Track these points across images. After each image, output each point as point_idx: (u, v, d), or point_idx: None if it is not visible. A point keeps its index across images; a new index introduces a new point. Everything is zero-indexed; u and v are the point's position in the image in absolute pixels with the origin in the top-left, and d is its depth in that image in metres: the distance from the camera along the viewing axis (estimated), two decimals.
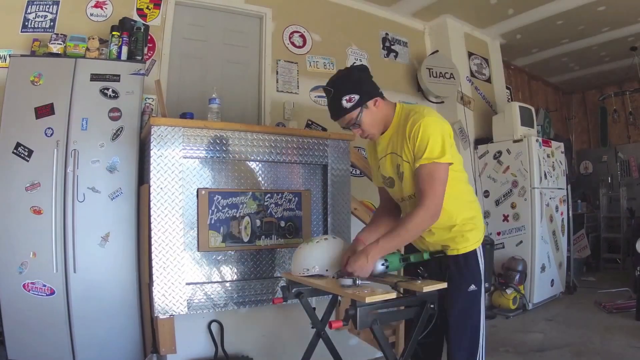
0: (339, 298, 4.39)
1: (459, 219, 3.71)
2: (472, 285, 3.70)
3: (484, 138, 10.37)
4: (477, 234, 3.78)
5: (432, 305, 3.55)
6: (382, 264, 3.61)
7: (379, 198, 4.32)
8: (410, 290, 3.51)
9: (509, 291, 8.75)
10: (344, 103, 3.62)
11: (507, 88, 12.45)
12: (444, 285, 3.54)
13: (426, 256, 3.64)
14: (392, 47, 9.97)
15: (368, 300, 3.18)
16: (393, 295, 3.32)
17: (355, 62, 9.21)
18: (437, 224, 3.58)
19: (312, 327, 4.26)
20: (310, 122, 8.37)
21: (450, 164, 3.54)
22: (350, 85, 3.67)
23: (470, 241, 3.72)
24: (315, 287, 4.01)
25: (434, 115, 3.66)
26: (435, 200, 3.43)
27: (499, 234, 9.77)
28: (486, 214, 9.99)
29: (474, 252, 3.74)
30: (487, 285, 8.05)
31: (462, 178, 3.81)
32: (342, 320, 3.31)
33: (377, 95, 3.74)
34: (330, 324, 3.34)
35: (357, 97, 3.62)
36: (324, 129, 8.07)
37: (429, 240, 3.80)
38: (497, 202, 9.85)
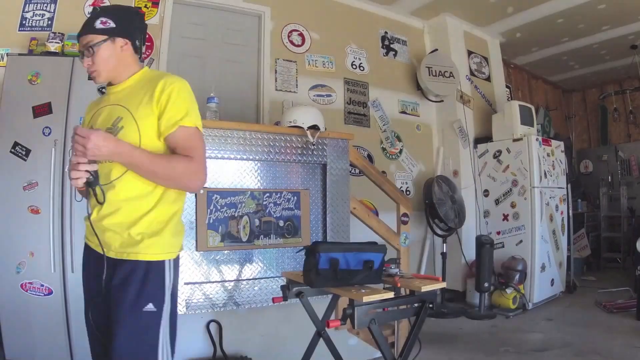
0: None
1: (160, 207, 3.09)
2: (151, 304, 2.95)
3: (484, 137, 10.34)
4: (171, 240, 3.15)
5: (430, 305, 3.56)
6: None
7: None
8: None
9: (508, 291, 8.75)
10: (97, 23, 3.08)
11: (507, 87, 12.46)
12: (444, 284, 3.56)
13: None
14: (392, 45, 9.99)
15: (366, 299, 3.18)
16: (391, 294, 3.32)
17: (354, 61, 9.27)
18: (135, 203, 2.99)
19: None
20: None
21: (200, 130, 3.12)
22: (116, 14, 3.20)
23: (161, 247, 3.05)
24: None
25: (185, 80, 3.12)
26: (204, 166, 3.07)
27: (498, 233, 9.77)
28: (486, 213, 10.00)
29: (162, 263, 3.05)
30: (486, 284, 8.08)
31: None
32: (339, 320, 3.31)
33: (131, 38, 3.24)
34: (327, 323, 3.34)
35: (112, 24, 3.11)
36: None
37: (108, 222, 2.99)
38: (497, 202, 9.84)
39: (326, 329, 4.05)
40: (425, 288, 3.60)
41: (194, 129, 3.03)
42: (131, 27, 3.26)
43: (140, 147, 2.90)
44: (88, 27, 3.09)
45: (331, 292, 4.03)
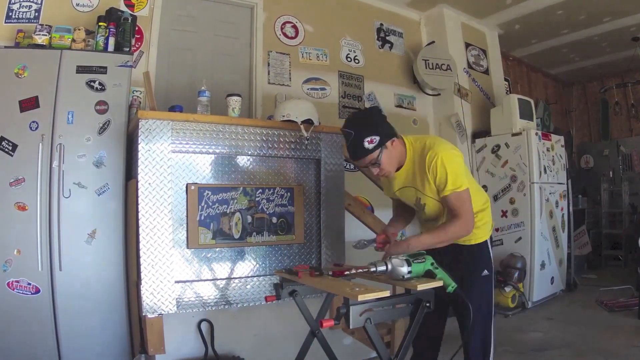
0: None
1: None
2: (485, 270, 4.33)
3: (482, 131, 10.38)
4: (487, 228, 4.41)
5: (427, 304, 3.56)
6: (408, 271, 3.68)
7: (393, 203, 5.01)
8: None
9: (507, 289, 8.77)
10: (366, 144, 3.97)
11: (506, 80, 12.47)
12: (439, 283, 3.58)
13: (450, 289, 3.72)
14: (387, 37, 9.99)
15: (361, 298, 3.18)
16: (387, 293, 3.33)
17: (349, 53, 9.27)
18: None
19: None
20: None
21: (467, 188, 4.03)
22: (371, 127, 4.05)
23: (480, 234, 4.31)
24: (310, 285, 4.04)
25: (446, 147, 4.11)
26: (469, 215, 4.00)
27: (497, 230, 9.77)
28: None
29: (485, 242, 4.38)
30: None
31: (474, 190, 4.24)
32: (333, 319, 3.32)
33: (394, 135, 4.14)
34: (321, 323, 3.35)
35: (377, 138, 3.98)
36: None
37: None
38: (496, 198, 9.85)
39: (320, 328, 4.06)
40: (422, 287, 3.60)
41: (455, 193, 3.96)
42: (386, 127, 4.14)
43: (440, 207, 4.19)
44: (362, 151, 4.02)
45: (325, 290, 4.04)
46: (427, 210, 4.29)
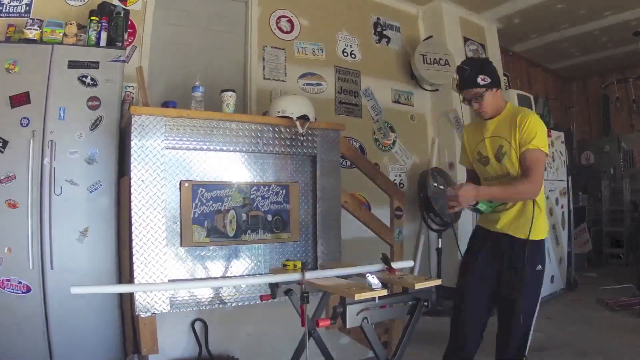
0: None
1: (531, 208, 4.43)
2: (540, 265, 4.49)
3: None
4: (545, 228, 4.66)
5: (425, 303, 3.58)
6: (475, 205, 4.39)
7: (466, 177, 5.29)
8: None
9: None
10: (479, 80, 4.53)
11: (505, 75, 12.49)
12: (438, 282, 3.61)
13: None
14: (384, 32, 9.99)
15: (357, 297, 3.19)
16: (384, 292, 3.33)
17: (345, 48, 9.27)
18: (515, 206, 4.52)
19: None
20: None
21: (547, 155, 4.48)
22: (488, 69, 4.62)
23: (539, 232, 4.53)
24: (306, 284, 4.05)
25: (537, 115, 4.54)
26: (539, 179, 4.34)
27: None
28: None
29: (542, 241, 4.58)
30: None
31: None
32: (329, 319, 3.32)
33: (500, 86, 4.72)
34: (317, 322, 3.35)
35: (489, 80, 4.55)
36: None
37: (502, 220, 4.61)
38: None
39: (316, 328, 4.07)
40: (419, 285, 3.61)
41: (537, 150, 4.34)
42: (498, 76, 4.68)
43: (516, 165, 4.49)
44: (472, 83, 4.58)
45: (322, 289, 4.05)
46: (504, 161, 4.55)
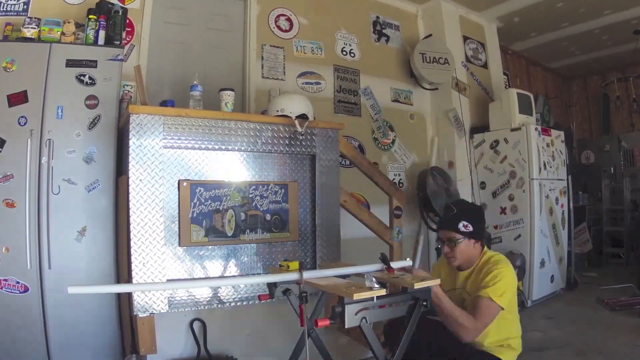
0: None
1: (488, 340, 4.34)
2: None
3: (480, 127, 10.38)
4: (507, 355, 4.41)
5: (424, 303, 3.58)
6: None
7: None
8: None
9: None
10: (460, 225, 4.44)
11: (505, 74, 12.50)
12: (437, 281, 3.62)
13: None
14: (384, 31, 10.00)
15: (356, 297, 3.18)
16: (383, 292, 3.33)
17: (345, 47, 9.28)
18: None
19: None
20: None
21: (502, 309, 4.19)
22: (475, 217, 4.58)
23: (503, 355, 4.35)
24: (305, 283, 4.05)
25: (511, 269, 4.40)
26: (481, 327, 4.16)
27: (496, 227, 9.81)
28: (483, 207, 10.00)
29: None
30: None
31: (513, 319, 4.49)
32: (328, 318, 3.32)
33: (481, 239, 4.61)
34: (316, 322, 3.35)
35: (471, 229, 4.45)
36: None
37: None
38: (494, 194, 9.87)
39: (315, 328, 4.08)
40: (419, 285, 3.62)
41: (489, 301, 4.14)
42: (482, 229, 4.65)
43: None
44: (453, 226, 4.46)
45: (320, 289, 4.05)
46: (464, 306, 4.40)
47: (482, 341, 4.32)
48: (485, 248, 4.67)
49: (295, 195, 5.79)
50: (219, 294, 5.26)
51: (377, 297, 3.40)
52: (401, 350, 3.69)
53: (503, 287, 4.18)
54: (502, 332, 4.36)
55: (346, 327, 3.34)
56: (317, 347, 4.46)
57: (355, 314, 3.30)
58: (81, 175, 5.40)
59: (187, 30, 7.66)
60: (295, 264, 4.20)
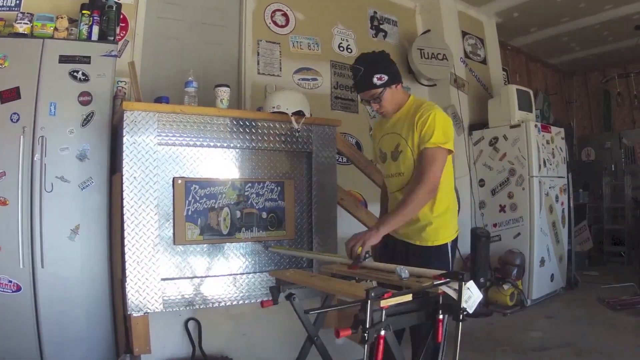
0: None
1: (435, 212, 4.40)
2: None
3: (479, 123, 10.41)
4: (450, 231, 4.52)
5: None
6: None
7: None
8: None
9: (506, 287, 8.79)
10: (375, 80, 4.39)
11: (504, 70, 12.50)
12: (408, 297, 3.56)
13: None
14: (381, 26, 10.00)
15: (383, 304, 3.06)
16: (409, 297, 3.24)
17: (342, 42, 9.29)
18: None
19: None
20: None
21: (451, 151, 4.37)
22: (383, 66, 4.49)
23: (441, 235, 4.42)
24: (311, 287, 4.06)
25: (441, 109, 4.42)
26: (432, 179, 4.18)
27: (495, 225, 9.82)
28: (481, 204, 10.05)
29: (445, 245, 4.45)
30: (482, 280, 8.09)
31: (449, 172, 4.54)
32: (350, 328, 3.16)
33: (400, 81, 4.59)
34: (337, 332, 3.16)
35: (386, 77, 4.41)
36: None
37: (402, 231, 4.48)
38: (493, 192, 9.89)
39: (337, 338, 4.01)
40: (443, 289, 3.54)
41: (434, 149, 4.22)
42: (395, 71, 4.57)
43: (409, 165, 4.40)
44: (368, 85, 4.45)
45: (339, 294, 3.97)
46: (400, 160, 4.49)
47: (432, 210, 4.38)
48: (412, 95, 4.74)
49: (292, 192, 5.79)
50: (214, 294, 5.26)
51: (402, 303, 3.28)
52: (425, 357, 3.66)
53: (443, 129, 4.26)
54: (444, 198, 4.44)
55: (368, 337, 3.16)
56: (321, 355, 4.44)
57: (379, 323, 3.17)
58: (74, 172, 5.42)
59: (181, 26, 7.66)
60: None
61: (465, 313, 3.31)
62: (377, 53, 4.60)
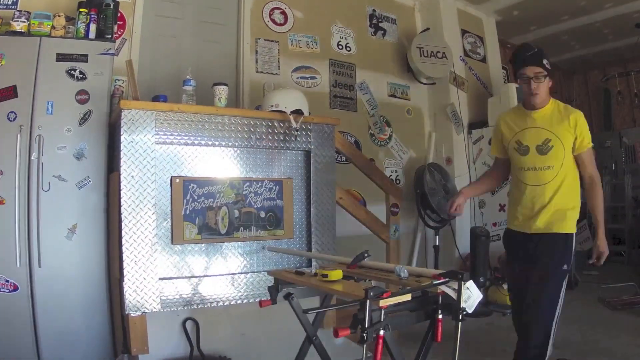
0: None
1: (575, 201, 4.83)
2: (565, 265, 4.75)
3: (479, 122, 10.38)
4: (574, 217, 4.86)
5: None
6: None
7: (492, 165, 5.67)
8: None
9: (505, 286, 8.76)
10: (545, 62, 4.69)
11: (504, 68, 12.47)
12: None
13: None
14: (380, 24, 10.01)
15: (382, 303, 3.06)
16: (408, 297, 3.23)
17: (340, 41, 9.28)
18: (561, 201, 4.75)
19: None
20: None
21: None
22: (548, 60, 4.77)
23: (573, 224, 4.81)
24: (312, 288, 4.06)
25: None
26: (597, 174, 4.81)
27: (494, 224, 9.81)
28: (481, 204, 10.05)
29: (573, 235, 4.80)
30: (482, 279, 8.08)
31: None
32: (349, 327, 3.16)
33: (552, 79, 4.86)
34: (336, 332, 3.17)
35: (549, 67, 4.71)
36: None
37: (541, 218, 4.79)
38: (493, 191, 9.84)
39: (335, 338, 4.00)
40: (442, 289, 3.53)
41: (591, 150, 4.78)
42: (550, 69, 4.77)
43: (564, 159, 4.71)
44: (540, 63, 4.69)
45: (339, 294, 3.97)
46: (550, 155, 4.74)
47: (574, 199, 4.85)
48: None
49: (290, 192, 5.80)
50: (212, 293, 5.26)
51: (401, 303, 3.28)
52: (424, 357, 3.64)
53: (588, 132, 4.73)
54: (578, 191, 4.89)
55: (367, 337, 3.16)
56: (319, 355, 4.44)
57: (379, 323, 3.16)
58: (72, 171, 5.40)
59: (179, 24, 7.66)
60: (338, 273, 4.08)
61: (464, 313, 3.30)
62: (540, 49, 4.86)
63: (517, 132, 4.93)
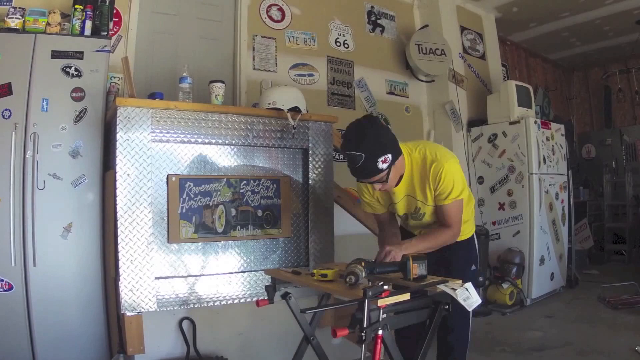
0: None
1: (466, 215, 4.70)
2: (473, 265, 4.86)
3: (478, 120, 10.41)
4: (472, 224, 4.95)
5: (446, 307, 3.53)
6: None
7: (375, 219, 5.26)
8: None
9: (505, 285, 8.79)
10: (380, 164, 4.07)
11: (503, 65, 12.49)
12: (458, 282, 3.55)
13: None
14: (378, 21, 10.00)
15: (381, 303, 3.07)
16: (407, 296, 3.24)
17: (338, 37, 9.28)
18: None
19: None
20: None
21: (462, 199, 4.46)
22: (384, 146, 4.14)
23: (468, 229, 4.82)
24: (310, 287, 4.06)
25: (447, 157, 4.43)
26: (456, 228, 4.47)
27: (494, 223, 9.84)
28: (480, 202, 10.05)
29: (472, 237, 4.93)
30: (481, 279, 8.09)
31: (467, 199, 4.66)
32: (347, 327, 3.16)
33: (400, 152, 4.31)
34: (334, 332, 3.17)
35: (390, 157, 4.11)
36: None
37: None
38: (492, 189, 9.89)
39: (334, 337, 3.99)
40: (440, 288, 3.54)
41: (454, 202, 4.36)
42: (395, 144, 4.28)
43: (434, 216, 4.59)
44: (375, 172, 4.11)
45: (336, 294, 3.97)
46: (424, 219, 4.67)
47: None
48: (404, 147, 4.46)
49: (288, 190, 5.79)
50: (209, 292, 5.26)
51: (399, 302, 3.29)
52: (423, 357, 3.63)
53: (455, 185, 4.32)
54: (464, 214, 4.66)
55: (365, 337, 3.16)
56: (317, 354, 4.44)
57: (377, 322, 3.17)
58: (67, 170, 5.40)
59: (176, 21, 7.65)
60: (336, 272, 3.96)
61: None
62: (377, 130, 4.23)
63: (389, 204, 4.76)
